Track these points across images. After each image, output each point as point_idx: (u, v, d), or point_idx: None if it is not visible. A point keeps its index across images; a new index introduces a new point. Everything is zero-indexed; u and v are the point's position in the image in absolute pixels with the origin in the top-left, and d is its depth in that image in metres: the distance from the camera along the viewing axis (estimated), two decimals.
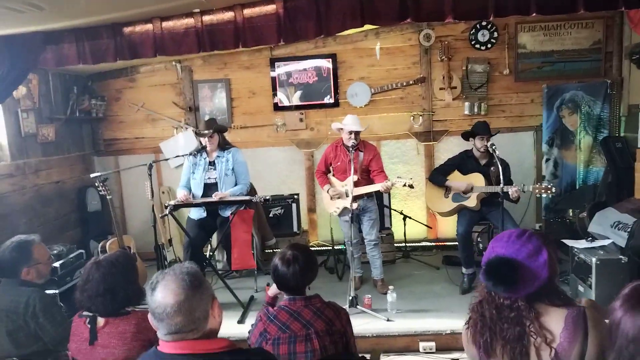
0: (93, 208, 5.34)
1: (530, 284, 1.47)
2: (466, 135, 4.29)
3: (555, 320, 1.46)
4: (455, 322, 3.47)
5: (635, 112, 4.81)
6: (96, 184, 4.09)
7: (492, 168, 4.14)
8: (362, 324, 3.61)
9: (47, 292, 3.44)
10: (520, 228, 1.62)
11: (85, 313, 2.04)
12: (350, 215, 4.01)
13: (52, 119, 4.89)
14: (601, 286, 3.47)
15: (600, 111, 5.06)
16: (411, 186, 3.91)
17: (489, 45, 5.24)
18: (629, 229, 3.76)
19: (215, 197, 3.99)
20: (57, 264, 3.87)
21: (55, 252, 4.06)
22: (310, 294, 2.12)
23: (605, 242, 3.82)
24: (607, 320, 1.32)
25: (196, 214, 4.23)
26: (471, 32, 5.23)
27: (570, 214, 4.97)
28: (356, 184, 4.08)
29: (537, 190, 3.88)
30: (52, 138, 4.83)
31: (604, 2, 3.18)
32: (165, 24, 3.30)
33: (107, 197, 4.12)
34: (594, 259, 3.49)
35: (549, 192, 3.82)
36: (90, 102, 5.31)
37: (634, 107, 4.88)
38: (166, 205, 4.00)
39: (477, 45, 5.25)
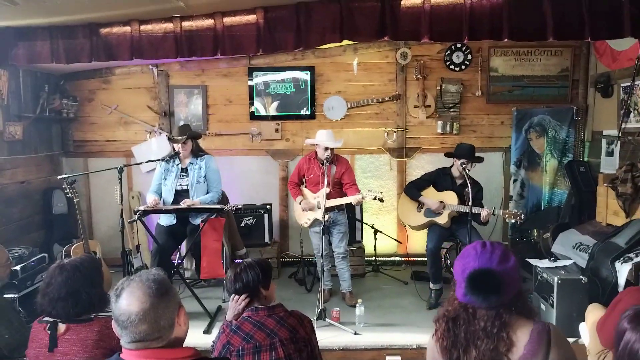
0: (59, 211, 5.18)
1: (511, 288, 1.52)
2: (450, 155, 4.35)
3: (521, 332, 1.50)
4: (421, 336, 3.51)
5: (598, 138, 5.01)
6: (63, 186, 3.98)
7: (466, 189, 4.23)
8: (330, 337, 3.60)
9: (6, 296, 3.34)
10: (479, 240, 1.66)
11: (45, 319, 1.98)
12: (321, 227, 4.03)
13: (21, 117, 4.74)
14: (562, 305, 3.56)
15: (566, 136, 5.25)
16: (381, 200, 4.02)
17: (463, 67, 5.39)
18: (589, 251, 3.90)
19: (183, 205, 3.95)
20: (17, 267, 3.74)
21: (16, 254, 3.93)
22: (274, 304, 2.11)
23: (567, 263, 3.94)
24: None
25: (166, 220, 4.17)
26: (446, 53, 5.37)
27: (535, 234, 5.12)
28: (328, 197, 4.12)
29: (507, 216, 3.99)
30: (20, 137, 4.69)
31: (572, 32, 3.33)
32: (143, 27, 3.28)
33: (75, 199, 4.02)
34: (555, 279, 3.59)
35: (517, 218, 3.94)
36: (62, 101, 5.18)
37: (597, 133, 5.08)
38: (135, 210, 3.92)
39: (452, 66, 5.40)
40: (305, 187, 4.47)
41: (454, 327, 1.55)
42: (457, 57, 5.38)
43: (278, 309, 2.08)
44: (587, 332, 2.84)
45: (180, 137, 4.04)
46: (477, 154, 4.28)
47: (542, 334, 1.49)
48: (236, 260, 2.20)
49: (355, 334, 3.68)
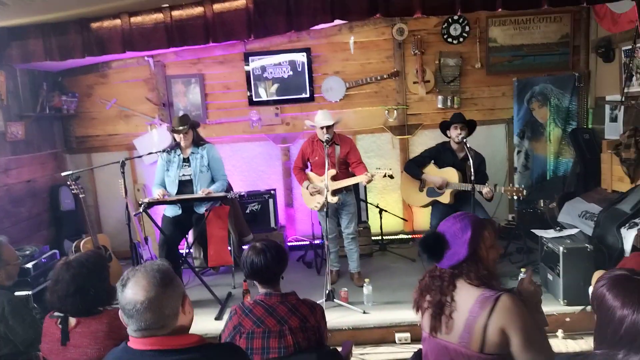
0: (66, 207, 5.24)
1: (450, 257, 1.74)
2: (443, 128, 4.33)
3: (466, 297, 1.69)
4: None
5: (601, 104, 4.95)
6: (68, 183, 4.02)
7: (468, 162, 4.21)
8: (339, 317, 3.65)
9: (20, 293, 3.41)
10: (464, 212, 1.87)
11: (56, 314, 2.02)
12: (326, 209, 4.03)
13: (22, 116, 4.77)
14: (568, 274, 3.57)
15: (568, 103, 5.18)
16: (391, 176, 3.99)
17: (461, 39, 5.31)
18: (595, 219, 3.88)
19: (202, 193, 3.98)
20: (29, 265, 3.80)
21: (27, 252, 3.99)
22: (287, 291, 2.14)
23: (574, 231, 3.93)
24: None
25: (171, 211, 4.20)
26: (443, 26, 5.29)
27: (541, 204, 5.10)
28: (335, 178, 4.11)
29: (508, 192, 3.94)
30: (22, 136, 4.72)
31: None
32: (133, 19, 3.26)
33: (80, 195, 4.06)
34: (561, 248, 3.59)
35: (520, 194, 3.88)
36: (61, 98, 5.20)
37: (600, 99, 5.01)
38: (140, 203, 3.96)
39: (450, 39, 5.32)
40: (311, 170, 4.44)
41: (424, 277, 1.88)
42: (455, 30, 5.30)
43: (291, 297, 2.11)
44: None
45: (182, 127, 4.04)
46: (480, 127, 4.22)
47: (488, 301, 1.64)
48: (259, 243, 2.18)
49: (364, 313, 3.72)
